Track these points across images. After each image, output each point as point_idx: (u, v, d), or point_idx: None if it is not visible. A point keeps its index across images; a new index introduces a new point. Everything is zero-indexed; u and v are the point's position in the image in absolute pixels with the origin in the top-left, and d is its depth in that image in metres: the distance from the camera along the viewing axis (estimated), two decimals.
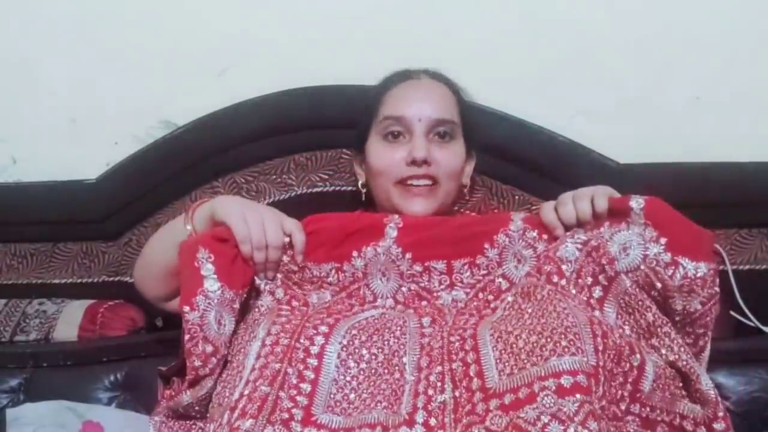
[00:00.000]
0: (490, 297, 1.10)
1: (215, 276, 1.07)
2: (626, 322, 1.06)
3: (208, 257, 1.07)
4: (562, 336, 0.92)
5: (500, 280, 1.11)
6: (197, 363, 1.05)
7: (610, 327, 0.99)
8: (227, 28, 1.48)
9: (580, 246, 1.07)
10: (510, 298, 1.07)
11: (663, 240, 1.05)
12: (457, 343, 1.00)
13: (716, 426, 1.00)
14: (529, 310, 1.01)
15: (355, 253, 1.12)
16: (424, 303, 1.11)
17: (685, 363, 1.03)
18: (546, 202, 1.15)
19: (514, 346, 0.94)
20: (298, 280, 1.14)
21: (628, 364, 0.97)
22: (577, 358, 0.89)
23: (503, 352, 0.94)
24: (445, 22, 1.47)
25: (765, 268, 1.49)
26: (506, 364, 0.93)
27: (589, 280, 1.07)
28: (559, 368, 0.88)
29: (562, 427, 0.84)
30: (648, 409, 0.99)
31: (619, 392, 0.96)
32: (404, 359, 1.00)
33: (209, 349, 1.05)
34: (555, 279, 1.07)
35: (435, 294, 1.12)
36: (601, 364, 0.91)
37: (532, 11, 1.46)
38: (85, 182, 1.50)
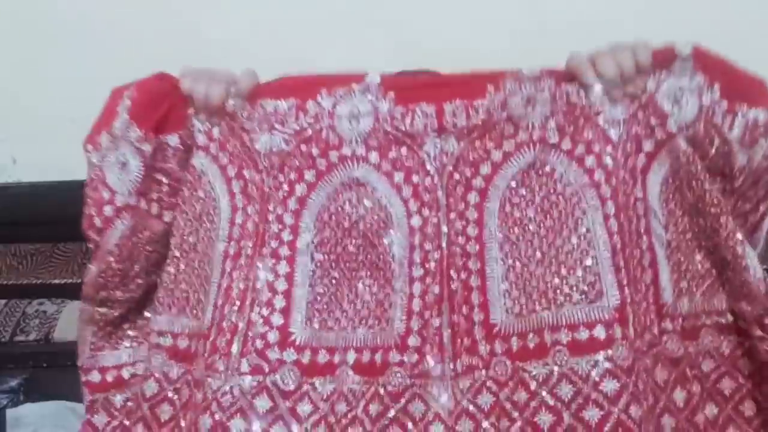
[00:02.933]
0: (490, 145, 0.87)
1: (128, 113, 0.90)
2: (672, 196, 0.89)
3: (130, 95, 0.91)
4: (580, 280, 0.82)
5: (503, 124, 0.87)
6: (92, 211, 0.91)
7: (633, 255, 0.86)
8: (219, 33, 1.48)
9: (627, 104, 0.88)
10: (518, 174, 0.88)
11: (716, 86, 0.88)
12: (459, 260, 0.85)
13: None
14: (545, 224, 0.86)
15: (323, 91, 0.88)
16: (404, 151, 0.87)
17: (731, 251, 0.87)
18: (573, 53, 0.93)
19: (528, 283, 0.84)
20: (245, 122, 0.90)
21: (642, 285, 0.86)
22: (596, 305, 0.81)
23: (514, 285, 0.84)
24: (444, 23, 1.47)
25: (765, 268, 1.49)
26: (516, 301, 0.83)
27: (633, 145, 0.88)
28: (574, 319, 0.81)
29: (574, 389, 0.79)
30: (681, 320, 0.88)
31: (647, 318, 0.86)
32: (394, 266, 0.86)
33: (106, 195, 0.90)
34: (597, 148, 0.86)
35: (419, 139, 0.87)
36: (627, 300, 0.82)
37: (531, 11, 1.46)
38: (85, 182, 1.50)
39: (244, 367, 0.83)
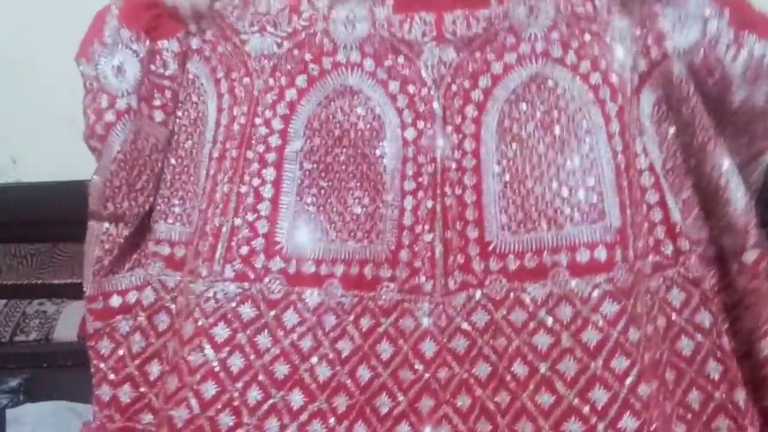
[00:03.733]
0: (491, 56, 0.83)
1: (117, 18, 0.87)
2: (665, 117, 0.86)
3: (118, 4, 0.88)
4: (582, 200, 0.79)
5: (505, 34, 0.83)
6: (92, 120, 0.88)
7: (639, 167, 0.83)
8: None
9: (632, 20, 0.84)
10: (524, 74, 0.83)
11: (726, 11, 0.83)
12: (454, 174, 0.82)
13: (746, 257, 0.84)
14: (545, 141, 0.82)
15: None
16: (401, 60, 0.84)
17: (714, 181, 0.84)
18: None
19: (525, 201, 0.80)
20: (235, 22, 0.87)
21: (644, 206, 0.83)
22: (598, 226, 0.79)
23: (511, 202, 0.81)
24: None
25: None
26: (512, 218, 0.80)
27: (632, 62, 0.84)
28: (575, 239, 0.78)
29: (573, 310, 0.76)
30: (689, 241, 0.85)
31: (650, 239, 0.83)
32: (385, 179, 0.83)
33: (106, 101, 0.87)
34: (603, 64, 0.82)
35: (416, 48, 0.83)
36: (629, 221, 0.79)
37: None
38: (85, 182, 1.50)
39: (228, 272, 0.81)
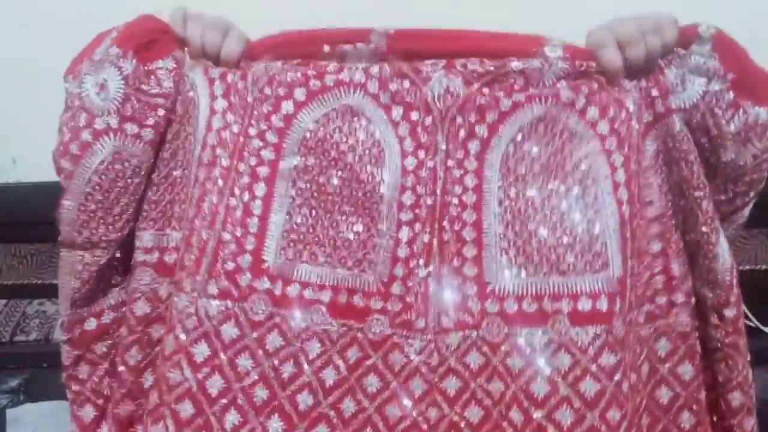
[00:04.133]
0: (500, 94, 0.80)
1: (112, 39, 0.84)
2: (660, 170, 0.86)
3: (119, 28, 0.86)
4: (586, 249, 0.78)
5: (516, 77, 0.81)
6: (66, 138, 0.85)
7: (642, 220, 0.83)
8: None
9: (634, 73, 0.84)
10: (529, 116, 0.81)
11: (729, 76, 0.84)
12: (454, 210, 0.80)
13: (727, 312, 0.86)
14: (549, 185, 0.81)
15: (327, 47, 0.82)
16: (406, 84, 0.81)
17: (705, 237, 0.85)
18: (598, 29, 0.85)
19: (527, 244, 0.79)
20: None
21: (648, 256, 0.85)
22: (601, 276, 0.78)
23: (512, 244, 0.79)
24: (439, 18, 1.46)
25: (765, 268, 1.49)
26: (513, 260, 0.79)
27: (638, 113, 0.85)
28: (578, 288, 0.78)
29: (572, 360, 0.76)
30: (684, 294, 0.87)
31: (649, 289, 0.84)
32: (381, 207, 0.80)
33: (84, 120, 0.84)
34: (612, 113, 0.81)
35: (423, 76, 0.81)
36: (628, 272, 0.79)
37: (530, 7, 1.46)
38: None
39: (212, 289, 0.79)
